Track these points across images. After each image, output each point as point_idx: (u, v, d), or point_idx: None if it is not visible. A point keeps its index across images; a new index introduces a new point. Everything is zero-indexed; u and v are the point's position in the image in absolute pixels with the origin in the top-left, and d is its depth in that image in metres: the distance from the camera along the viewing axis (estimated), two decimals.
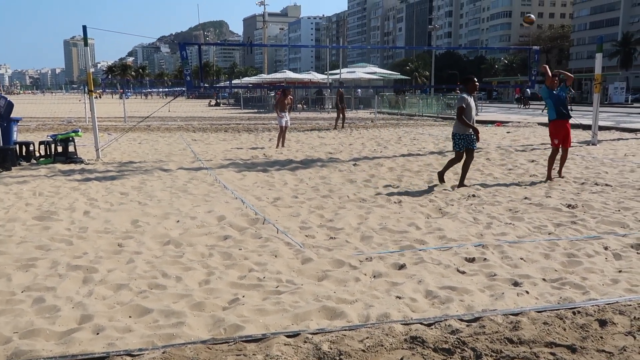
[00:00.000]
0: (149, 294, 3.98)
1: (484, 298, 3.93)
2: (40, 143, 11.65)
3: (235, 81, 67.95)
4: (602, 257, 4.87)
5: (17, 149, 10.96)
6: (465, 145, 8.23)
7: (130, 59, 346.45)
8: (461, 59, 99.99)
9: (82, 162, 11.03)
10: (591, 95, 48.39)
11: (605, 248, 5.10)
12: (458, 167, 8.63)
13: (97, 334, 3.33)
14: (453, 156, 8.59)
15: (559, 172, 9.15)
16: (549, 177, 8.86)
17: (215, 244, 5.31)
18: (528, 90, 46.11)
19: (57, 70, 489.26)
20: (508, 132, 18.89)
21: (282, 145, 14.17)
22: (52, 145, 11.19)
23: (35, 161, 11.08)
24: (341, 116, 21.85)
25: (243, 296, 3.94)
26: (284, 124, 14.02)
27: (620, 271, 4.50)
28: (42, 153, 11.46)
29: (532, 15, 14.93)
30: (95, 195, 7.66)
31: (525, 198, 7.44)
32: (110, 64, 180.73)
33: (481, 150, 13.16)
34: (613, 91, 52.67)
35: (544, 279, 4.32)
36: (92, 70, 12.32)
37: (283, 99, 14.18)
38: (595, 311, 3.65)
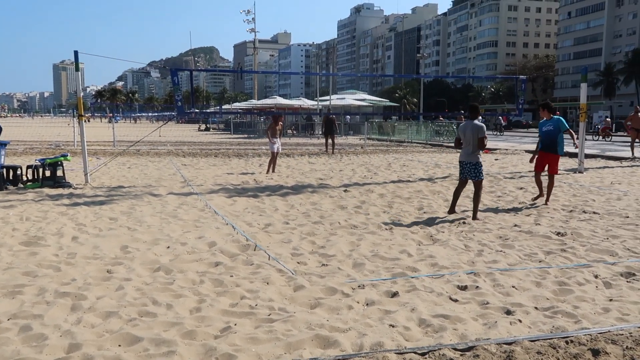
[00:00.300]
0: (139, 321, 3.91)
1: (477, 327, 3.92)
2: (28, 167, 11.53)
3: (225, 106, 68.28)
4: (592, 286, 4.89)
5: (4, 173, 10.85)
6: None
7: (120, 83, 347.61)
8: (449, 87, 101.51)
9: (70, 186, 10.93)
10: (576, 124, 49.35)
11: (596, 276, 5.13)
12: (448, 194, 8.69)
13: None
14: (475, 186, 8.12)
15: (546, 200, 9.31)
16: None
17: (206, 270, 5.26)
18: (500, 118, 47.22)
19: (46, 94, 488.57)
20: (496, 159, 19.09)
21: (273, 171, 14.18)
22: (40, 170, 11.10)
23: (22, 185, 10.96)
24: (330, 142, 22.50)
25: (235, 324, 3.89)
26: (275, 150, 14.06)
27: (611, 300, 4.52)
28: (30, 177, 11.34)
29: None
30: (84, 221, 7.58)
31: (515, 225, 7.49)
32: (99, 88, 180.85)
33: None
34: (597, 120, 53.57)
35: (536, 307, 4.32)
36: (81, 94, 12.33)
37: (274, 125, 14.25)
38: (588, 340, 3.66)
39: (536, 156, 9.52)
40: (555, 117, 9.25)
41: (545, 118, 9.35)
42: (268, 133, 14.30)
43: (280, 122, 14.66)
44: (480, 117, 8.00)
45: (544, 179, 9.43)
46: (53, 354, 3.41)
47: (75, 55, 11.54)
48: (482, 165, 8.08)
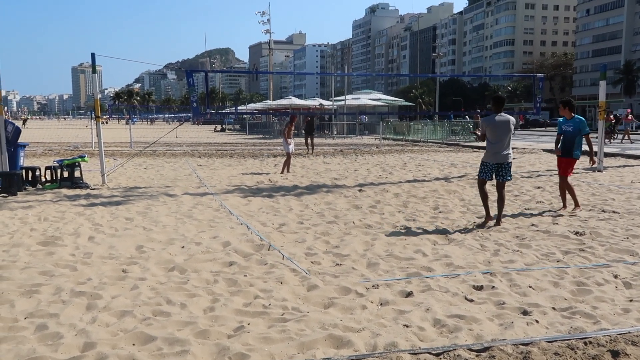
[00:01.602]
0: (153, 321, 3.93)
1: (493, 327, 3.86)
2: (47, 168, 11.69)
3: (241, 107, 68.59)
4: (612, 286, 4.79)
5: (24, 174, 11.02)
6: None
7: (137, 85, 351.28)
8: (465, 86, 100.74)
9: (87, 187, 11.06)
10: (595, 122, 48.72)
11: (615, 276, 5.03)
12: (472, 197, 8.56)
13: None
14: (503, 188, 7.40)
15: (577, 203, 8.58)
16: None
17: (220, 270, 5.27)
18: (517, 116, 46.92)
19: (65, 96, 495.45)
20: (513, 158, 18.88)
21: (288, 171, 14.19)
22: (58, 171, 11.24)
23: (41, 186, 11.11)
24: (309, 142, 22.35)
25: (248, 324, 3.88)
26: (290, 150, 14.07)
27: (631, 300, 4.43)
28: (48, 178, 11.49)
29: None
30: (100, 221, 7.65)
31: (532, 225, 7.38)
32: (117, 90, 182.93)
33: None
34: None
35: (553, 308, 4.25)
36: (99, 96, 12.45)
37: (291, 126, 14.29)
38: (607, 342, 3.58)
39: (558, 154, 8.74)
40: (576, 117, 8.53)
41: (565, 117, 8.65)
42: (285, 133, 14.32)
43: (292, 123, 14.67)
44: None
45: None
46: (68, 352, 3.44)
47: (93, 58, 11.67)
48: None
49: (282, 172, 14.11)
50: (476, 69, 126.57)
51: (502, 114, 7.12)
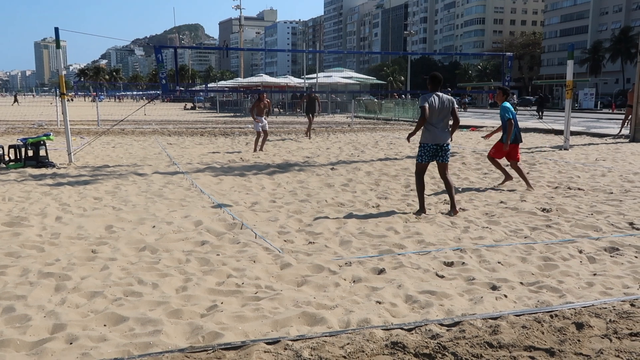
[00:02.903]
0: (125, 301, 3.88)
1: (463, 302, 3.94)
2: (10, 147, 11.33)
3: (211, 85, 67.55)
4: (577, 261, 4.94)
5: None
6: None
7: (104, 61, 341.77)
8: (436, 65, 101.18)
9: (53, 166, 10.78)
10: (562, 101, 49.79)
11: (580, 251, 5.18)
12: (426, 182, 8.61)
13: (71, 343, 3.23)
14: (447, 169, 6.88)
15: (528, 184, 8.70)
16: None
17: (192, 249, 5.23)
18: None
19: (28, 73, 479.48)
20: (482, 137, 19.13)
21: (260, 150, 14.08)
22: (23, 150, 10.91)
23: (4, 165, 10.78)
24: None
25: (221, 303, 3.87)
26: (260, 129, 13.94)
27: (594, 274, 4.57)
28: (12, 157, 11.15)
29: None
30: (68, 201, 7.48)
31: (501, 202, 7.53)
32: (82, 66, 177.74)
33: (456, 154, 13.30)
34: (583, 97, 53.93)
35: (521, 283, 4.36)
36: (64, 72, 12.09)
37: (258, 103, 14.11)
38: (572, 314, 3.70)
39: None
40: (503, 104, 8.51)
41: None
42: (252, 112, 14.16)
43: (267, 100, 14.51)
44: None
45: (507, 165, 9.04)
46: (37, 334, 3.37)
47: (56, 33, 11.28)
48: None
49: (254, 151, 14.00)
50: (447, 48, 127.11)
51: (439, 93, 6.62)
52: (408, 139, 6.87)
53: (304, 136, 19.27)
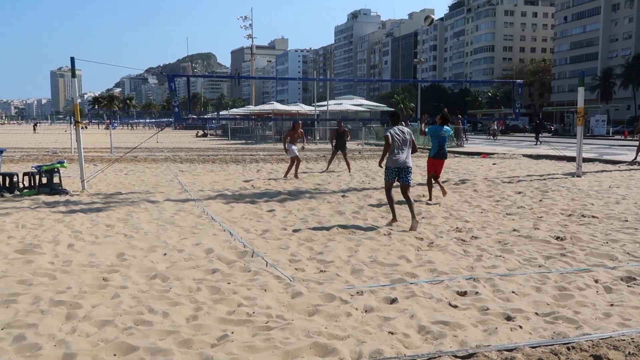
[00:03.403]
0: (135, 330, 3.86)
1: (478, 333, 3.87)
2: (25, 174, 11.47)
3: (223, 112, 68.29)
4: (593, 290, 4.85)
5: (1, 180, 10.79)
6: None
7: (118, 89, 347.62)
8: (446, 92, 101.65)
9: (67, 193, 10.87)
10: (573, 128, 49.66)
11: (596, 281, 5.09)
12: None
13: None
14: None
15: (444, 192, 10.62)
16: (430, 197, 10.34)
17: (203, 277, 5.21)
18: (495, 123, 47.76)
19: (43, 101, 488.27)
20: (494, 164, 19.08)
21: (295, 176, 14.28)
22: (37, 177, 11.04)
23: (18, 192, 10.90)
24: (341, 158, 17.26)
25: (232, 332, 3.84)
26: (296, 154, 14.36)
27: (612, 305, 4.48)
28: (26, 184, 11.28)
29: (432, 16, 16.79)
30: (80, 228, 7.53)
31: (514, 230, 7.46)
32: (97, 94, 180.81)
33: (468, 181, 13.25)
34: (595, 124, 53.77)
35: (536, 313, 4.28)
36: (79, 101, 12.30)
37: (293, 133, 14.47)
38: (589, 346, 3.61)
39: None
40: (436, 126, 10.66)
41: (437, 125, 10.67)
42: (285, 140, 14.52)
43: (301, 130, 14.75)
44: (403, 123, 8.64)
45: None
46: None
47: (72, 62, 11.51)
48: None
49: (284, 176, 14.28)
50: (457, 75, 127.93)
51: (400, 126, 7.91)
52: (380, 164, 7.99)
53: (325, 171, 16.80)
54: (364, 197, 10.67)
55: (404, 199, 8.00)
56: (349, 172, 16.22)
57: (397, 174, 7.85)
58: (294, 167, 14.55)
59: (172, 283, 5.00)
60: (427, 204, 9.89)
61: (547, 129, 51.65)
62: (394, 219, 7.98)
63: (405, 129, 7.90)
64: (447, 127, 10.70)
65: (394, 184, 8.03)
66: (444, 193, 10.57)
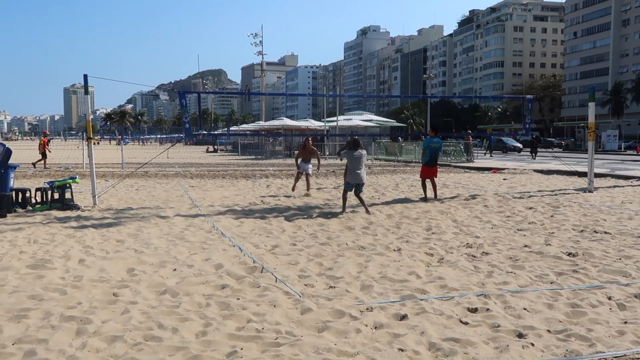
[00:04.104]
0: (144, 346, 3.86)
1: (489, 350, 3.83)
2: (37, 190, 11.59)
3: (233, 128, 68.71)
4: (606, 307, 4.79)
5: (13, 195, 10.91)
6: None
7: (129, 106, 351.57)
8: (456, 107, 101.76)
9: (78, 208, 10.96)
10: (585, 143, 49.42)
11: (609, 298, 5.03)
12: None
13: None
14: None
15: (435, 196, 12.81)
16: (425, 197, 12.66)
17: (212, 293, 5.22)
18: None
19: (56, 117, 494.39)
20: (505, 179, 18.98)
21: (307, 191, 13.95)
22: (49, 192, 11.14)
23: (31, 208, 11.01)
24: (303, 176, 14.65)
25: (241, 349, 3.83)
26: (306, 170, 14.15)
27: (625, 322, 4.42)
28: (39, 200, 11.39)
29: None
30: (91, 243, 7.57)
31: (525, 246, 7.39)
32: (108, 111, 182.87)
33: (478, 197, 13.19)
34: (606, 139, 53.42)
35: (548, 330, 4.23)
36: (91, 117, 12.44)
37: (303, 151, 14.30)
38: None
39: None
40: (429, 138, 13.12)
41: (430, 136, 13.15)
42: (296, 159, 14.36)
43: (313, 147, 14.39)
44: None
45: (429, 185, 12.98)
46: None
47: (85, 79, 11.68)
48: None
49: (307, 190, 13.99)
50: (466, 90, 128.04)
51: (359, 150, 10.39)
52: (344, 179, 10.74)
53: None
54: (373, 213, 10.64)
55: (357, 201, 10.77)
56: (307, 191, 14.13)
57: (354, 187, 10.48)
58: (300, 182, 14.36)
59: (181, 298, 5.01)
60: (420, 199, 12.65)
61: (542, 144, 51.73)
62: (344, 210, 10.54)
63: (363, 152, 10.49)
64: (438, 139, 13.07)
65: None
66: (435, 195, 12.82)
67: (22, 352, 3.76)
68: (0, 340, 3.96)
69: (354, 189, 10.54)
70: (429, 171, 13.01)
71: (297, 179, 14.52)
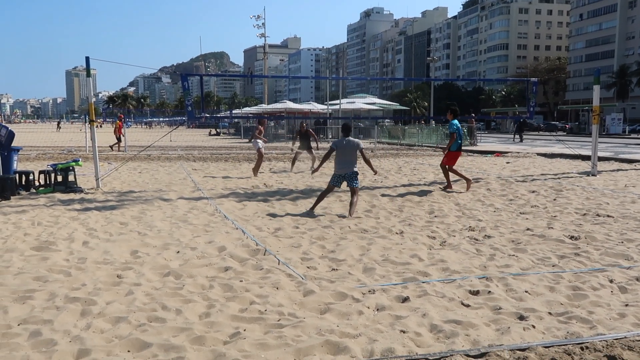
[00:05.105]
0: (148, 327, 3.90)
1: (490, 332, 3.85)
2: (40, 172, 11.62)
3: (235, 111, 68.53)
4: (607, 290, 4.80)
5: (17, 178, 10.94)
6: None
7: (132, 88, 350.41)
8: (459, 90, 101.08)
9: (81, 191, 11.00)
10: (589, 126, 49.18)
11: (611, 281, 5.04)
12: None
13: None
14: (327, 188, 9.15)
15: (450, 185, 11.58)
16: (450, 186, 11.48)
17: (215, 275, 5.25)
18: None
19: (59, 100, 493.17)
20: (508, 163, 18.94)
21: (254, 175, 14.33)
22: (52, 175, 11.17)
23: (34, 190, 11.05)
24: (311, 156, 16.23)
25: (244, 330, 3.86)
26: (261, 148, 14.55)
27: (626, 305, 4.44)
28: (42, 182, 11.42)
29: None
30: (95, 225, 7.61)
31: (528, 229, 7.40)
32: (111, 93, 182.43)
33: (481, 180, 13.17)
34: (610, 122, 53.13)
35: (549, 313, 4.25)
36: (93, 100, 12.42)
37: (260, 127, 14.79)
38: (603, 347, 3.58)
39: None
40: (452, 121, 11.31)
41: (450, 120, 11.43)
42: (256, 134, 14.69)
43: (263, 126, 15.03)
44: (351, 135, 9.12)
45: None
46: (62, 359, 3.41)
47: (87, 62, 11.63)
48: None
49: (255, 175, 14.25)
50: (470, 73, 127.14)
51: (349, 138, 8.80)
52: (314, 172, 10.56)
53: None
54: (375, 196, 10.65)
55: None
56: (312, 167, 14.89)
57: (342, 179, 8.79)
58: (301, 163, 14.80)
59: (185, 280, 5.04)
60: (444, 189, 11.51)
61: (529, 127, 51.71)
62: (313, 208, 8.83)
63: (354, 141, 8.77)
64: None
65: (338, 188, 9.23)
66: (450, 185, 11.60)
67: (28, 333, 3.79)
68: (6, 321, 4.01)
69: (344, 183, 8.84)
70: (457, 157, 11.65)
71: (295, 160, 15.06)
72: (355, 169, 8.81)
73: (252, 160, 20.36)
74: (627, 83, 76.26)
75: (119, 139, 25.64)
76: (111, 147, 25.46)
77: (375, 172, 9.37)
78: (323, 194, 9.02)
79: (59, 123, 70.64)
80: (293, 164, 16.26)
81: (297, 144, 16.52)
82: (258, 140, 14.57)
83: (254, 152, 16.99)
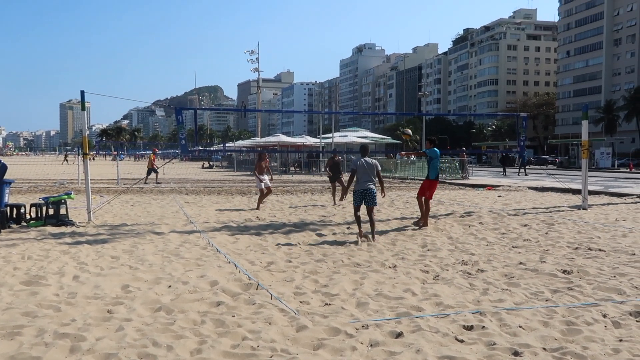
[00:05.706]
0: None
1: None
2: (32, 205, 11.56)
3: (229, 144, 68.80)
4: (601, 325, 4.80)
5: (8, 211, 10.87)
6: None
7: (125, 121, 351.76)
8: (450, 124, 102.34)
9: (73, 224, 10.92)
10: (579, 160, 49.81)
11: (604, 315, 5.04)
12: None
13: None
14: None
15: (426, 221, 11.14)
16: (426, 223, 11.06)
17: (207, 310, 5.19)
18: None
19: (52, 133, 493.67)
20: (499, 196, 19.04)
21: (257, 208, 14.49)
22: (44, 208, 11.11)
23: (25, 224, 10.96)
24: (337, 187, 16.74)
25: None
26: (262, 187, 14.73)
27: (620, 340, 4.43)
28: (33, 215, 11.35)
29: (409, 131, 18.40)
30: (86, 259, 7.54)
31: (520, 263, 7.41)
32: (104, 126, 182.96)
33: (473, 214, 13.22)
34: (600, 156, 53.78)
35: (544, 348, 4.23)
36: (87, 133, 12.48)
37: (260, 163, 14.97)
38: None
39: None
40: (431, 149, 11.56)
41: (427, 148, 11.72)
42: (255, 171, 15.03)
43: (267, 160, 15.41)
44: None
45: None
46: None
47: (82, 96, 11.72)
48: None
49: (257, 209, 14.45)
50: (461, 108, 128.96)
51: (367, 158, 9.47)
52: (344, 195, 10.90)
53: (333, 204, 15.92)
54: (368, 229, 10.63)
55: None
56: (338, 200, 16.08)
57: (363, 196, 9.41)
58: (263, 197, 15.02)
59: (176, 316, 4.98)
60: (417, 223, 11.15)
61: (513, 162, 51.47)
62: (360, 234, 9.36)
63: (374, 162, 9.46)
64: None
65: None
66: (426, 221, 11.16)
67: None
68: None
69: (363, 201, 9.42)
70: (434, 186, 11.52)
71: (262, 197, 15.01)
72: (374, 187, 9.43)
73: (245, 193, 20.36)
74: (615, 118, 77.54)
75: (155, 171, 25.13)
76: (145, 180, 23.98)
77: (384, 195, 10.05)
78: (357, 218, 9.57)
79: (66, 156, 64.44)
80: (334, 195, 16.55)
81: (330, 174, 16.89)
82: (262, 177, 14.73)
83: (247, 185, 17.15)
